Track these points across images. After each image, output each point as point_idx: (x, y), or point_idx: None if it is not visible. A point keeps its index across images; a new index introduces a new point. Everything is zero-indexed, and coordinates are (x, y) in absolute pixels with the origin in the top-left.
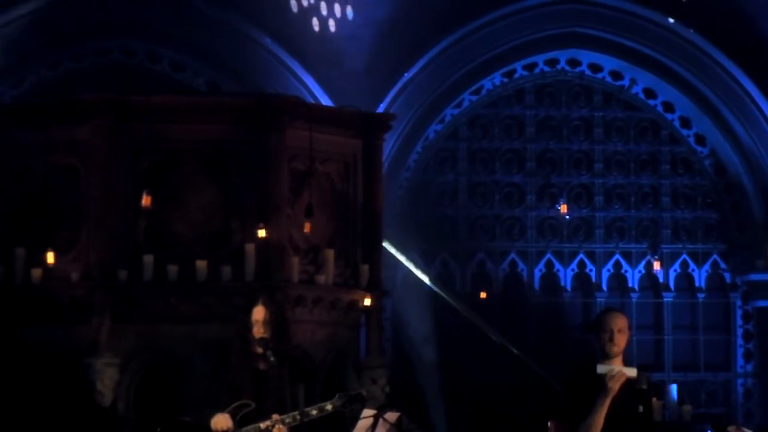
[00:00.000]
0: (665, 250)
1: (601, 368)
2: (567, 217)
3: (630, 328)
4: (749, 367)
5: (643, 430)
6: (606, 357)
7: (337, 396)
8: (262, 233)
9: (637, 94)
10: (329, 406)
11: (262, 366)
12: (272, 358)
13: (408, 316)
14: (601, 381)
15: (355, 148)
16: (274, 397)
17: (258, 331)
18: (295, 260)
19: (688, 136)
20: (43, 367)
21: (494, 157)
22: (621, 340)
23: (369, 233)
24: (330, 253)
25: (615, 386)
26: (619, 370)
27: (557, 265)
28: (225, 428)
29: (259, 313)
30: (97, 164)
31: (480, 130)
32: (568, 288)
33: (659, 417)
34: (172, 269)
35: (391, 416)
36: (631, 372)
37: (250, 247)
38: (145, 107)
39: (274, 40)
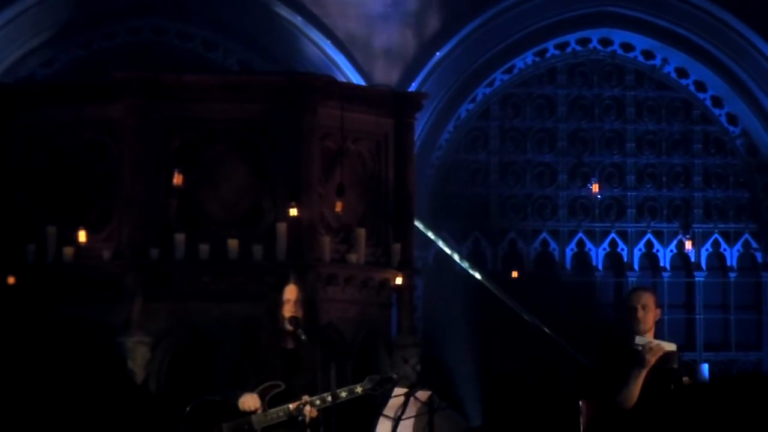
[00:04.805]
0: (697, 230)
1: (639, 339)
2: (599, 196)
3: (658, 304)
4: None
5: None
6: (635, 334)
7: (367, 378)
8: (293, 212)
9: (669, 73)
10: (359, 389)
11: (292, 345)
12: (303, 337)
13: (439, 296)
14: (638, 353)
15: (386, 127)
16: (304, 376)
17: (289, 310)
18: (327, 239)
19: (720, 115)
20: (74, 345)
21: (526, 137)
22: (647, 317)
23: (400, 212)
24: (361, 232)
25: (652, 359)
26: (657, 343)
27: (589, 245)
28: (253, 408)
29: (291, 292)
30: (128, 143)
31: (512, 110)
32: (600, 267)
33: None
34: (204, 248)
35: (422, 395)
36: (670, 346)
37: (281, 226)
38: (177, 86)
39: (306, 18)
